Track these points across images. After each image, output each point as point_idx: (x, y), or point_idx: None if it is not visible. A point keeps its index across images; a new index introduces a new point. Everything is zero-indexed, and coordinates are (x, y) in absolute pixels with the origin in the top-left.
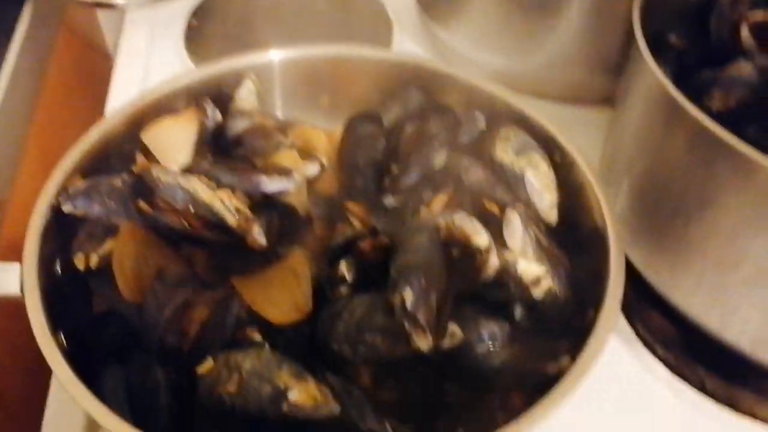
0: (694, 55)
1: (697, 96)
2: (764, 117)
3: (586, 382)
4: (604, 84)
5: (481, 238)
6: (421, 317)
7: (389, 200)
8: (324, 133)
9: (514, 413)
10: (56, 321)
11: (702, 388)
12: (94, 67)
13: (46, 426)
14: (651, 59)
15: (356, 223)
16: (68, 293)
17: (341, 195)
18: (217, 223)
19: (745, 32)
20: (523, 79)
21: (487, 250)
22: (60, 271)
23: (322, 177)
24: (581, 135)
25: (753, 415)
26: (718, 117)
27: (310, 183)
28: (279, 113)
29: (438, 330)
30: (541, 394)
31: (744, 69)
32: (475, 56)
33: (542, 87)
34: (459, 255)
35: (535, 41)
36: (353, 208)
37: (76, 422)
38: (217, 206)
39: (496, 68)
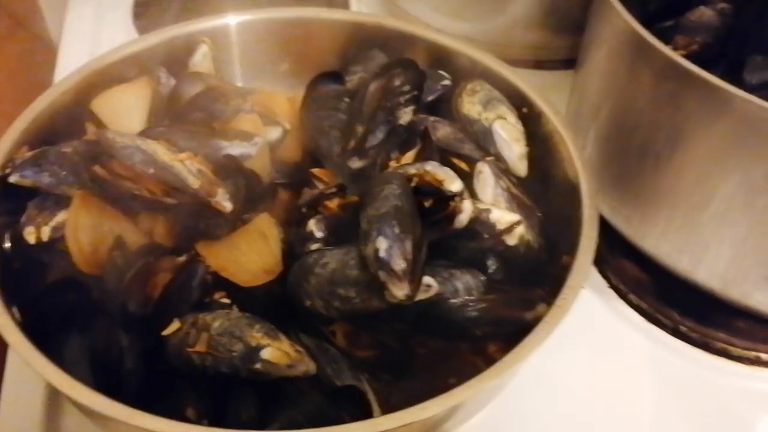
0: (655, 4)
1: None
2: (726, 60)
3: (562, 329)
4: (565, 45)
5: (454, 183)
6: (396, 265)
7: (355, 163)
8: (285, 98)
9: (491, 361)
10: (8, 296)
11: (675, 332)
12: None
13: (3, 404)
14: (617, 1)
15: (322, 188)
16: (19, 268)
17: (304, 160)
18: (179, 186)
19: None
20: (483, 43)
21: (461, 196)
22: (9, 246)
23: (284, 143)
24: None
25: (726, 354)
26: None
27: (272, 149)
28: (238, 81)
29: (414, 278)
30: (518, 343)
31: (705, 14)
32: (434, 21)
33: (504, 51)
34: (432, 204)
35: (494, 4)
36: (319, 172)
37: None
38: (179, 168)
39: (455, 33)
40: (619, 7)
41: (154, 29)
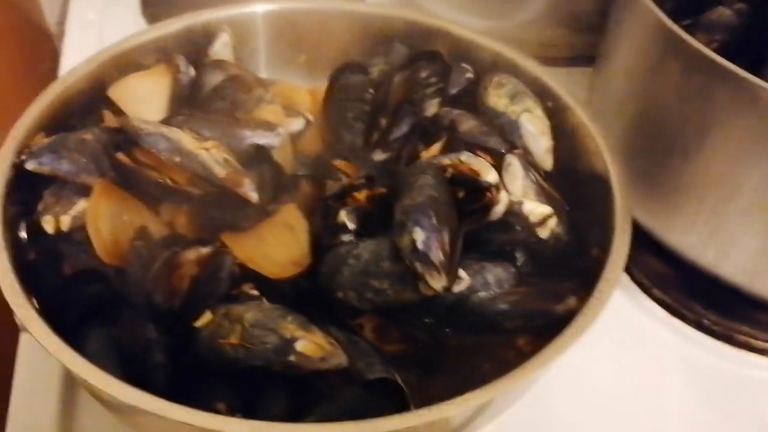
0: (671, 6)
1: None
2: (744, 59)
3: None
4: (581, 42)
5: (490, 174)
6: (434, 256)
7: (378, 155)
8: (306, 89)
9: (523, 355)
10: (27, 287)
11: (699, 326)
12: (39, 48)
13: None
14: None
15: (349, 179)
16: (36, 259)
17: (327, 153)
18: (205, 176)
19: None
20: (500, 40)
21: (497, 187)
22: (25, 236)
23: (306, 136)
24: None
25: (749, 347)
26: None
27: (294, 141)
28: (259, 71)
29: (451, 269)
30: (549, 336)
31: (724, 13)
32: (448, 17)
33: (520, 48)
34: (465, 194)
35: (509, 1)
36: (342, 165)
37: (50, 393)
38: (204, 157)
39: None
40: (648, 1)
41: (164, 18)
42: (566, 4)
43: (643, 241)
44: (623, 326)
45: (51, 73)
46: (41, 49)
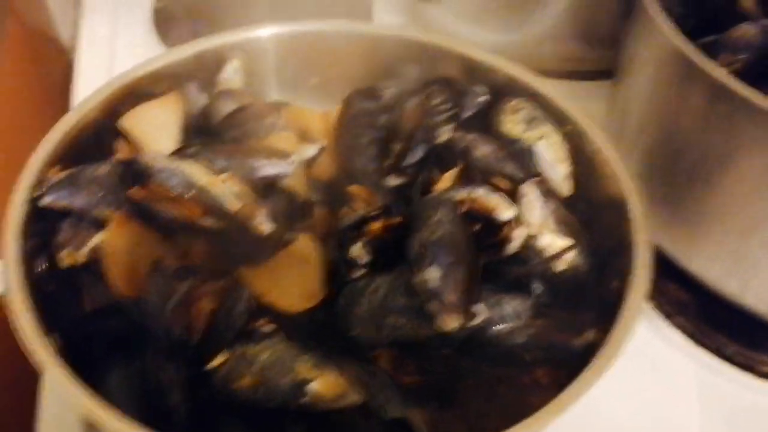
0: (692, 23)
1: None
2: None
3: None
4: (599, 56)
5: (506, 211)
6: (450, 296)
7: (392, 181)
8: (318, 113)
9: (545, 391)
10: (45, 323)
11: (721, 354)
12: (51, 62)
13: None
14: (662, 18)
15: (361, 206)
16: (54, 293)
17: (341, 178)
18: (218, 210)
19: None
20: (515, 55)
21: (513, 223)
22: (42, 270)
23: (320, 160)
24: (587, 109)
25: None
26: None
27: (308, 167)
28: (268, 96)
29: (467, 308)
30: (568, 369)
31: (749, 31)
32: (465, 33)
33: (535, 62)
34: (482, 228)
35: (525, 15)
36: (356, 190)
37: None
38: (217, 191)
39: (486, 45)
40: (665, 25)
41: (176, 36)
42: (583, 16)
43: (666, 267)
44: (642, 353)
45: (65, 87)
46: (55, 63)
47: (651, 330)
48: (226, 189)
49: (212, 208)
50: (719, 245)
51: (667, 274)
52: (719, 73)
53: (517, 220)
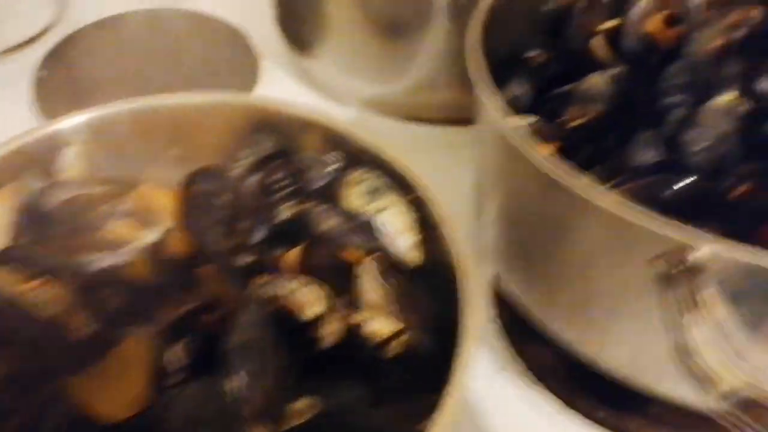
0: (554, 69)
1: (554, 112)
2: (621, 127)
3: (478, 409)
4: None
5: (313, 307)
6: (255, 403)
7: (242, 259)
8: (170, 191)
9: None
10: None
11: (593, 418)
12: None
13: None
14: (487, 96)
15: (209, 288)
16: None
17: (192, 257)
18: (28, 319)
19: (597, 42)
20: (394, 103)
21: (324, 318)
22: None
23: (171, 239)
24: (460, 155)
25: None
26: (577, 133)
27: (157, 247)
28: (124, 170)
29: (277, 413)
30: None
31: (597, 83)
32: (344, 85)
33: (414, 110)
34: (294, 326)
35: (399, 66)
36: (204, 272)
37: None
38: (29, 298)
39: (366, 95)
40: (491, 107)
41: (54, 105)
42: (459, 65)
43: (532, 332)
44: (514, 416)
45: None
46: None
47: (523, 392)
48: (42, 294)
49: (23, 318)
50: (570, 311)
51: (534, 338)
52: (534, 154)
53: (324, 317)
